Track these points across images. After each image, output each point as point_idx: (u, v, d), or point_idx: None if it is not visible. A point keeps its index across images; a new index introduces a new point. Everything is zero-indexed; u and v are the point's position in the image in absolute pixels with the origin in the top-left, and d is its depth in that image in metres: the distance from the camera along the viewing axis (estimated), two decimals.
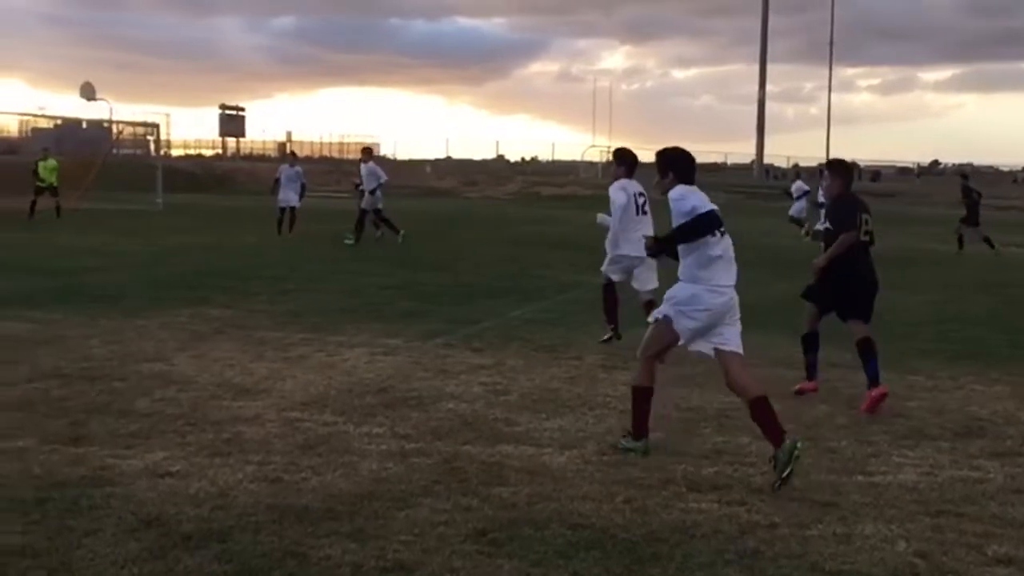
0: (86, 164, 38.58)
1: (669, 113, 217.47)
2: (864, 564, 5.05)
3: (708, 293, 6.53)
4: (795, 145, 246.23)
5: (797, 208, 30.12)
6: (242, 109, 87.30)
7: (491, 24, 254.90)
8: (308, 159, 67.47)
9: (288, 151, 35.42)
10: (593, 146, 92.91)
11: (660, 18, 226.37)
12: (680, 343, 6.66)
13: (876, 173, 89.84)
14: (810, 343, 8.97)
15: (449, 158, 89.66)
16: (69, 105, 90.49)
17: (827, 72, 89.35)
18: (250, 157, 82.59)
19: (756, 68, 76.98)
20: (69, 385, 8.37)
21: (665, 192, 6.76)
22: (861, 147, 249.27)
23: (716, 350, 6.59)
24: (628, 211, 10.70)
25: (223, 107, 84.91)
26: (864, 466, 6.73)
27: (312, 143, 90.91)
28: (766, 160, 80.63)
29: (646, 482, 6.24)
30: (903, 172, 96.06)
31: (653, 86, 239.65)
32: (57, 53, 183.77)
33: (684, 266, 6.67)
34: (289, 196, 24.86)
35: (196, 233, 25.46)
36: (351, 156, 75.18)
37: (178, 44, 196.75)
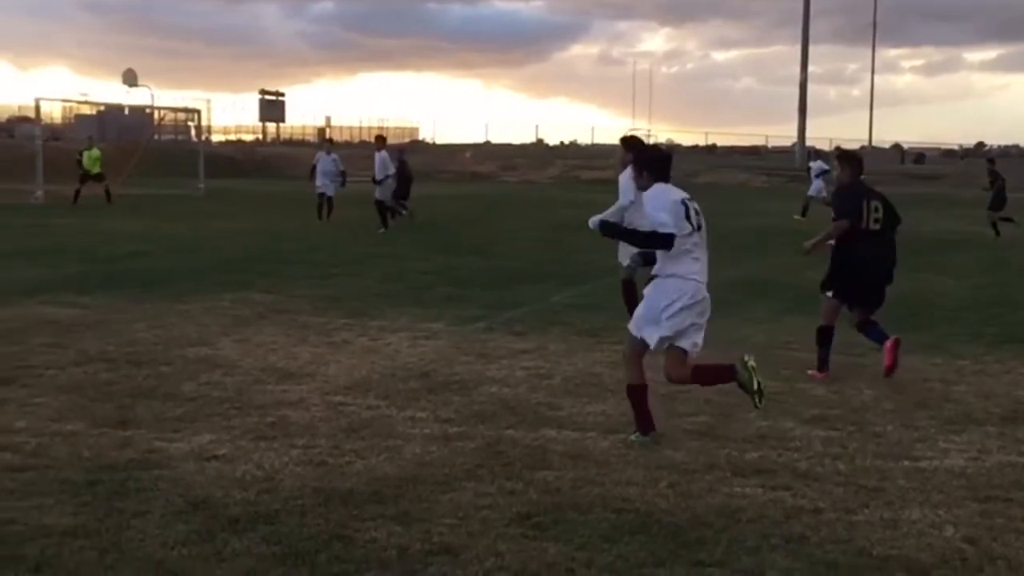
0: (128, 150, 38.97)
1: (709, 95, 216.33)
2: (911, 549, 5.01)
3: (681, 282, 6.61)
4: (837, 127, 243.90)
5: (816, 188, 29.80)
6: (282, 94, 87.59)
7: (530, 7, 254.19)
8: (347, 144, 67.73)
9: (326, 137, 35.45)
10: (633, 129, 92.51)
11: None
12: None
13: (920, 155, 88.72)
14: (825, 336, 8.92)
15: (488, 142, 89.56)
16: (112, 92, 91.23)
17: (870, 53, 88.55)
18: (290, 142, 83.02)
19: (798, 49, 76.01)
20: (116, 369, 8.47)
21: (643, 191, 6.90)
22: (905, 129, 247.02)
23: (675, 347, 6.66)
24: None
25: (263, 92, 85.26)
26: (910, 451, 6.66)
27: (351, 128, 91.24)
28: (808, 143, 79.89)
29: (690, 467, 6.22)
30: (948, 154, 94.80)
31: (693, 68, 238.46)
32: (99, 40, 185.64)
33: (659, 259, 6.75)
34: (325, 183, 24.96)
35: (237, 218, 25.65)
36: (391, 141, 75.40)
37: (218, 30, 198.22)
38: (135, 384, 7.98)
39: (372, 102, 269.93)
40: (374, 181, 23.33)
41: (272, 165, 58.87)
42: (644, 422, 6.80)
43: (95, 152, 30.86)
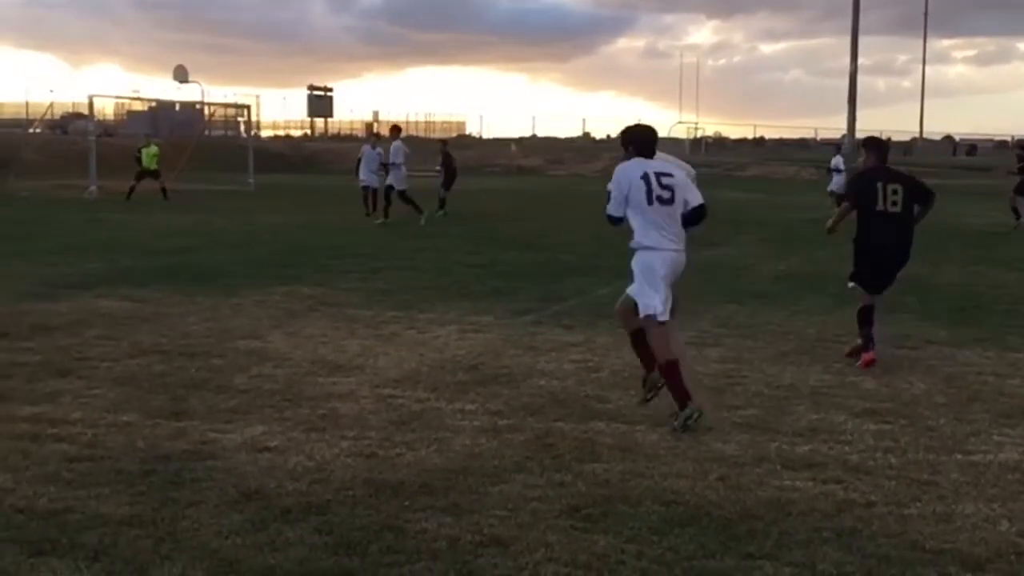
0: (179, 146, 39.39)
1: (757, 88, 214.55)
2: (965, 543, 4.96)
3: (648, 252, 7.09)
4: (887, 119, 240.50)
5: (837, 183, 29.38)
6: (330, 89, 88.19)
7: (577, 0, 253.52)
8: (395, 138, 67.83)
9: (373, 131, 35.61)
10: (680, 122, 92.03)
11: None
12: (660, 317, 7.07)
13: (972, 147, 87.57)
14: (864, 315, 9.03)
15: (535, 136, 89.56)
16: (163, 88, 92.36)
17: (921, 44, 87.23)
18: (338, 137, 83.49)
19: (847, 41, 74.98)
20: (169, 361, 8.59)
21: None
22: (956, 120, 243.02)
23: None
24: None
25: (311, 88, 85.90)
26: (963, 445, 6.59)
27: (399, 122, 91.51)
28: (857, 135, 79.00)
29: (740, 460, 6.20)
30: (1001, 145, 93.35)
31: (741, 61, 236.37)
32: (149, 37, 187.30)
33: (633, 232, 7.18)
34: (370, 177, 25.09)
35: (287, 212, 25.86)
36: (437, 135, 75.42)
37: (267, 26, 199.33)
38: (188, 376, 8.09)
39: (419, 96, 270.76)
40: (383, 167, 24.09)
41: (320, 160, 59.29)
42: (681, 397, 6.91)
43: (153, 149, 31.25)
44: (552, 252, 17.62)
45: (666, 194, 7.00)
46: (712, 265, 16.05)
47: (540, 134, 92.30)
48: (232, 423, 6.80)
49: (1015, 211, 23.65)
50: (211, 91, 69.28)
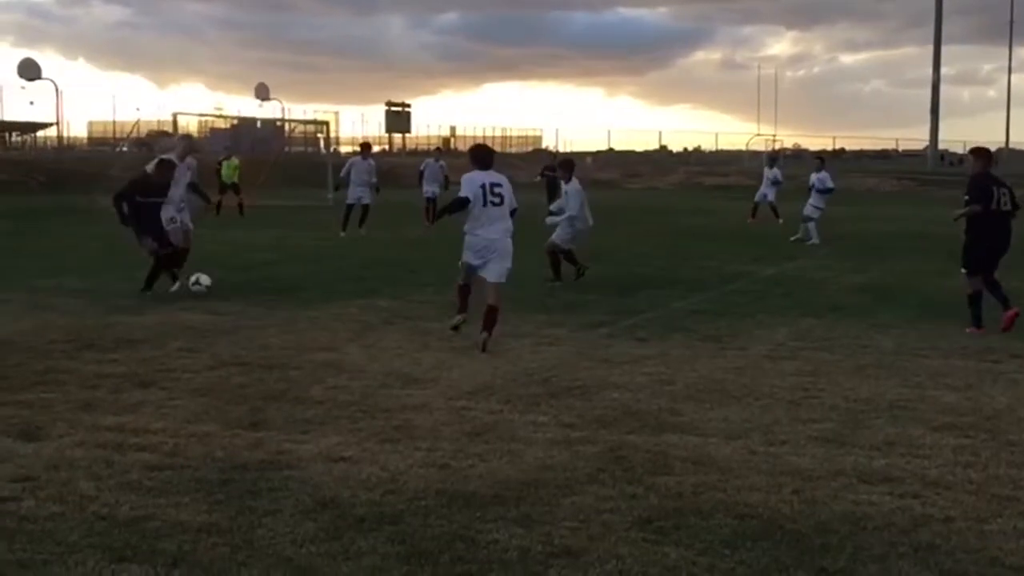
0: (260, 162, 40.04)
1: (837, 99, 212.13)
2: None
3: (471, 238, 10.14)
4: (972, 129, 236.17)
5: (761, 194, 27.61)
6: (408, 105, 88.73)
7: (654, 13, 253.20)
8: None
9: (451, 145, 36.15)
10: (758, 135, 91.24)
11: (828, 1, 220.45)
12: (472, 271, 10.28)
13: None
14: (975, 298, 10.99)
15: (611, 150, 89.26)
16: (244, 105, 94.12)
17: (1007, 52, 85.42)
18: (415, 153, 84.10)
19: (930, 50, 73.92)
20: (248, 373, 8.74)
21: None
22: None
23: (482, 276, 10.21)
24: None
25: (389, 104, 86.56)
26: None
27: (475, 137, 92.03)
28: (940, 145, 77.63)
29: (815, 473, 6.13)
30: None
31: (820, 72, 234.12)
32: (233, 56, 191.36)
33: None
34: (433, 190, 25.58)
35: (367, 227, 26.08)
36: (513, 150, 75.77)
37: (346, 43, 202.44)
38: (266, 387, 8.23)
39: (496, 111, 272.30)
40: (446, 179, 24.90)
41: (397, 174, 59.68)
42: (461, 305, 10.38)
43: (234, 162, 31.76)
44: (627, 265, 17.57)
45: (504, 197, 10.06)
46: (789, 278, 15.89)
47: (616, 148, 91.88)
48: (308, 434, 6.91)
49: None
50: (291, 108, 70.14)
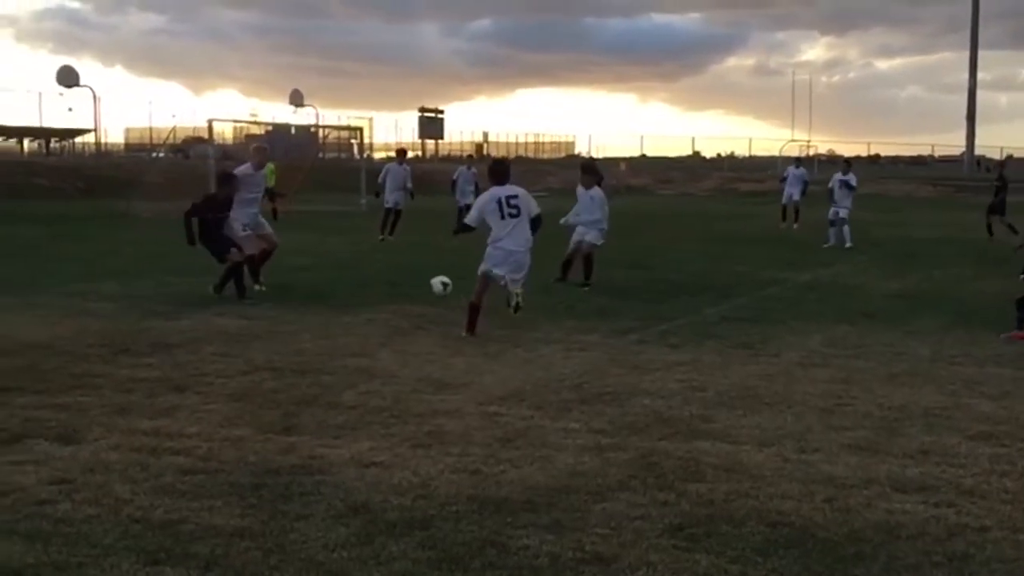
0: (295, 168, 40.26)
1: (872, 105, 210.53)
2: None
3: (494, 250, 10.78)
4: (1008, 135, 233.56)
5: (787, 195, 28.52)
6: (441, 112, 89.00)
7: (687, 19, 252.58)
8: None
9: (483, 151, 36.45)
10: (792, 140, 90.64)
11: (863, 6, 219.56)
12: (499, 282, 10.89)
13: None
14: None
15: (644, 156, 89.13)
16: (279, 112, 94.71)
17: None
18: (448, 159, 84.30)
19: (966, 55, 73.29)
20: (281, 378, 8.79)
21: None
22: None
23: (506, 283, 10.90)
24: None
25: (422, 110, 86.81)
26: None
27: (508, 143, 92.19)
28: (977, 151, 76.94)
29: (848, 482, 6.09)
30: None
31: (855, 77, 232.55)
32: (267, 62, 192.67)
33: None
34: (467, 196, 25.74)
35: (396, 232, 26.17)
36: (546, 156, 75.73)
37: (379, 49, 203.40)
38: (299, 392, 8.27)
39: (529, 116, 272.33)
40: (477, 187, 24.82)
41: (431, 180, 59.83)
42: (470, 326, 10.85)
43: (270, 166, 31.98)
44: (659, 271, 17.53)
45: (520, 209, 10.75)
46: (823, 284, 15.80)
47: (649, 153, 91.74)
48: (340, 439, 6.94)
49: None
50: (325, 114, 70.41)
